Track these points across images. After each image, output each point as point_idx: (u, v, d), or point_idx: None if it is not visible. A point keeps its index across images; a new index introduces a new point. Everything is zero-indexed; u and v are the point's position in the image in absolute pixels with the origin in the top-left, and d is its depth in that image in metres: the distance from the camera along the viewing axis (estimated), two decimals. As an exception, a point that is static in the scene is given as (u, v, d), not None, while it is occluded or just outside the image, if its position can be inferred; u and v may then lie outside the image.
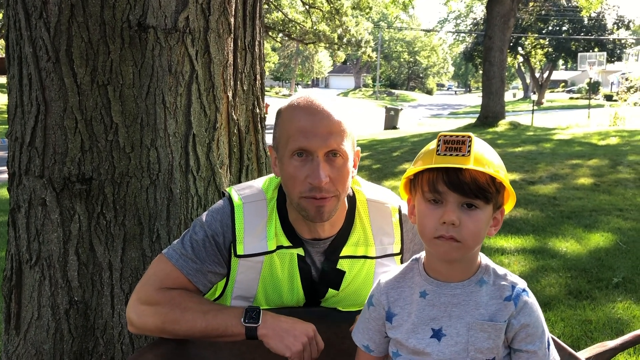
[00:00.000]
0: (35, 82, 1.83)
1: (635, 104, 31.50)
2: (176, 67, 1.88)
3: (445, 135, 1.16)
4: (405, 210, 1.64)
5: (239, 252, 1.53)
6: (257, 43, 2.21)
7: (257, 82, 2.23)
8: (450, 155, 1.13)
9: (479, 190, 1.13)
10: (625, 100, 32.94)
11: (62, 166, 1.84)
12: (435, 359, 1.19)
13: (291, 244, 1.56)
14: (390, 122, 21.83)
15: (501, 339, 1.18)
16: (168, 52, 1.87)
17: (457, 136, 1.15)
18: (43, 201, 1.87)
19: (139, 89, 1.85)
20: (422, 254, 1.29)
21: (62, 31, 1.78)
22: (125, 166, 1.87)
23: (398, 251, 1.64)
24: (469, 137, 1.14)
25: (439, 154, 1.14)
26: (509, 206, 1.24)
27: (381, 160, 10.95)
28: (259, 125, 2.25)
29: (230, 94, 2.05)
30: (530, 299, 1.20)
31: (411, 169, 1.20)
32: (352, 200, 1.61)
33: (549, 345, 1.21)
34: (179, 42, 1.88)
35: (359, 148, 1.57)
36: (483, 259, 1.24)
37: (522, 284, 1.22)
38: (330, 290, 1.60)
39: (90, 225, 1.88)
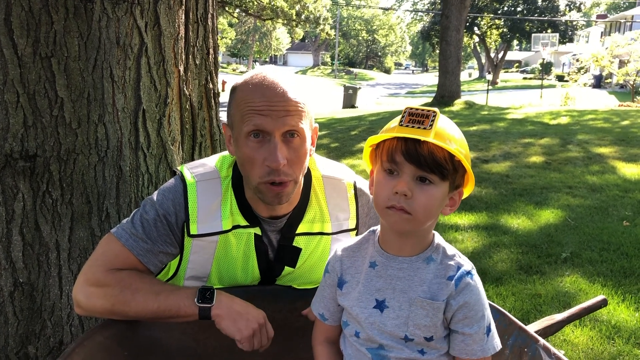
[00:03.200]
0: (-28, 53, 1.72)
1: (585, 84, 32.46)
2: (124, 39, 1.81)
3: (411, 108, 1.15)
4: (360, 185, 1.63)
5: (193, 231, 1.49)
6: (209, 16, 2.14)
7: (210, 56, 2.17)
8: (412, 127, 1.12)
9: (434, 164, 1.12)
10: (575, 81, 33.92)
11: (4, 142, 1.75)
12: (376, 330, 1.20)
13: (248, 223, 1.53)
14: (349, 100, 21.86)
15: (439, 318, 1.18)
16: (116, 24, 1.79)
17: (423, 110, 1.14)
18: (-17, 179, 1.78)
19: (85, 61, 1.77)
20: (379, 227, 1.29)
21: (-1, -1, 1.68)
22: (71, 143, 1.79)
23: (353, 226, 1.63)
24: (435, 112, 1.14)
25: (401, 125, 1.13)
26: (467, 190, 1.23)
27: (339, 139, 10.96)
28: (213, 101, 2.20)
29: (181, 68, 1.99)
30: (474, 282, 1.20)
31: (372, 137, 1.20)
32: (307, 176, 1.59)
33: (488, 331, 1.20)
34: (127, 13, 1.80)
35: (316, 125, 1.54)
36: (436, 238, 1.24)
37: (468, 266, 1.21)
38: (286, 268, 1.59)
39: (36, 204, 1.80)
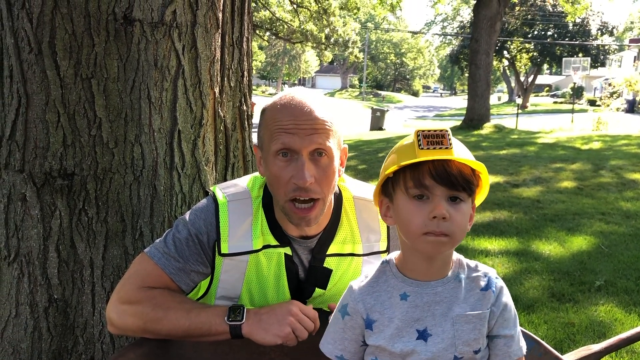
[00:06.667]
0: (16, 74, 1.78)
1: (617, 109, 31.92)
2: (162, 61, 1.85)
3: (423, 131, 1.14)
4: None
5: (224, 250, 1.50)
6: (245, 39, 2.18)
7: (245, 78, 2.20)
8: (434, 148, 1.12)
9: (465, 182, 1.13)
10: (608, 106, 33.38)
11: (44, 161, 1.80)
12: (424, 359, 1.18)
13: (278, 243, 1.53)
14: (376, 123, 21.87)
15: (485, 327, 1.18)
16: (154, 46, 1.83)
17: (436, 130, 1.14)
18: (23, 196, 1.82)
19: (123, 83, 1.81)
20: (392, 256, 1.27)
21: (45, 22, 1.74)
22: (108, 162, 1.83)
23: (384, 248, 1.62)
24: (447, 130, 1.14)
25: (421, 149, 1.12)
26: (479, 199, 1.24)
27: (367, 161, 10.96)
28: (246, 123, 2.22)
29: (217, 90, 2.03)
30: (503, 284, 1.23)
31: (391, 165, 1.17)
32: (338, 197, 1.59)
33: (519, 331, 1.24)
34: (166, 36, 1.84)
35: (346, 145, 1.54)
36: (454, 254, 1.24)
37: (492, 272, 1.24)
38: (317, 289, 1.58)
39: (72, 222, 1.83)
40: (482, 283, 1.20)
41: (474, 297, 1.19)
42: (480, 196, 1.24)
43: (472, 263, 1.24)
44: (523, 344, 1.23)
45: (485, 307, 1.18)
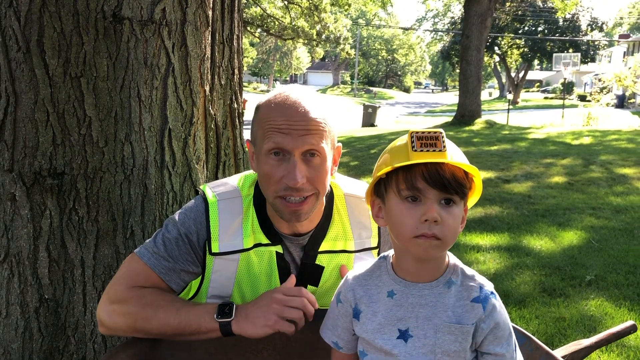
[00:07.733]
0: (4, 73, 1.77)
1: (607, 104, 32.11)
2: (152, 59, 1.84)
3: (417, 132, 1.14)
4: None
5: (214, 249, 1.50)
6: (235, 37, 2.17)
7: (235, 76, 2.19)
8: (427, 151, 1.11)
9: (457, 185, 1.12)
10: (598, 101, 33.53)
11: (33, 160, 1.78)
12: None
13: (269, 241, 1.53)
14: (368, 119, 21.89)
15: (468, 342, 1.16)
16: (144, 45, 1.82)
17: (430, 132, 1.13)
18: (12, 196, 1.81)
19: (113, 81, 1.80)
20: (390, 253, 1.27)
21: (33, 21, 1.72)
22: (98, 161, 1.82)
23: (375, 244, 1.63)
24: (441, 132, 1.13)
25: (415, 151, 1.11)
26: (471, 202, 1.24)
27: (359, 157, 10.97)
28: (237, 121, 2.22)
29: (207, 88, 2.02)
30: (498, 301, 1.19)
31: (383, 166, 1.17)
32: (329, 194, 1.59)
33: (515, 347, 1.20)
34: (155, 34, 1.83)
35: (339, 144, 1.54)
36: (451, 258, 1.23)
37: (489, 286, 1.20)
38: (309, 286, 1.58)
39: (62, 221, 1.82)
40: (474, 294, 1.18)
41: (462, 308, 1.17)
42: (473, 199, 1.23)
43: (470, 271, 1.22)
44: None
45: (471, 320, 1.16)
